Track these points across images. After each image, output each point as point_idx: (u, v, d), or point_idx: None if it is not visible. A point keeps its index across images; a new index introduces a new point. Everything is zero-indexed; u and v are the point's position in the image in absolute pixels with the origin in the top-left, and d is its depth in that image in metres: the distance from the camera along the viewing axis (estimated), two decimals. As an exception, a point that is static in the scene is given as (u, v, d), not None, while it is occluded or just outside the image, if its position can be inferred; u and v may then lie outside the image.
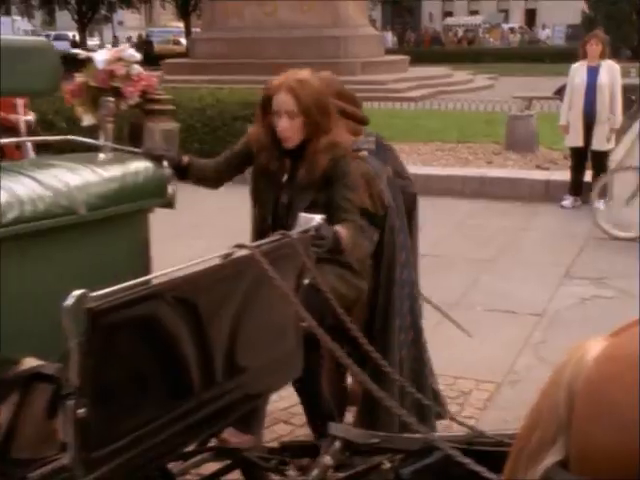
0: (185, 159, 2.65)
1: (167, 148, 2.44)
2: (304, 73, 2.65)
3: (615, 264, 5.77)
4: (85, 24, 34.87)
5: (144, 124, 2.41)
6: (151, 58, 21.85)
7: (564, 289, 5.33)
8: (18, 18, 42.44)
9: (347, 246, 2.49)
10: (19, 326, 1.83)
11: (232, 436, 2.37)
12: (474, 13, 50.58)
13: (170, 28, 49.59)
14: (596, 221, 6.70)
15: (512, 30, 44.23)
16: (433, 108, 15.17)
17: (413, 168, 8.49)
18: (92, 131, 2.42)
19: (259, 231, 2.69)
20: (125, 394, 1.52)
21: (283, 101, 2.56)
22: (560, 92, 14.73)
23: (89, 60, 2.33)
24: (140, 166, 2.28)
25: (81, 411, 1.42)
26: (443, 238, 6.67)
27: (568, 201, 7.57)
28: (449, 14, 51.67)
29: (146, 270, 2.17)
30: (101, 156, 2.32)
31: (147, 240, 2.28)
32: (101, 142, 2.37)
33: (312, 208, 2.50)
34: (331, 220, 2.47)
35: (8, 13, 39.01)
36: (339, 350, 1.74)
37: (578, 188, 7.57)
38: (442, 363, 3.71)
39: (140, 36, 39.41)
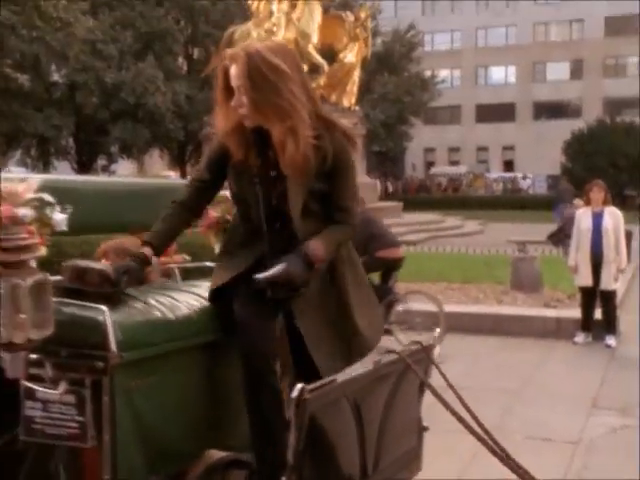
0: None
1: None
2: (260, 43, 2.40)
3: (636, 394, 6.05)
4: (84, 173, 36.14)
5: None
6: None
7: (594, 419, 5.58)
8: (14, 168, 43.93)
9: (327, 256, 2.33)
10: (197, 423, 2.10)
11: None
12: (455, 163, 53.09)
13: (162, 177, 51.26)
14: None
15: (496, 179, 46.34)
16: (432, 251, 15.76)
17: (427, 306, 8.92)
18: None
19: (248, 233, 2.44)
20: (322, 473, 1.78)
21: (232, 75, 2.33)
22: (552, 237, 15.56)
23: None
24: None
25: (291, 488, 1.68)
26: (467, 371, 6.95)
27: (580, 337, 7.93)
28: (431, 164, 54.15)
29: None
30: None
31: None
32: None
33: (310, 202, 2.33)
34: (328, 216, 2.35)
35: (5, 165, 40.49)
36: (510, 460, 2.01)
37: (589, 325, 7.96)
38: (494, 487, 3.91)
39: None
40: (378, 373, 2.05)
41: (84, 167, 35.58)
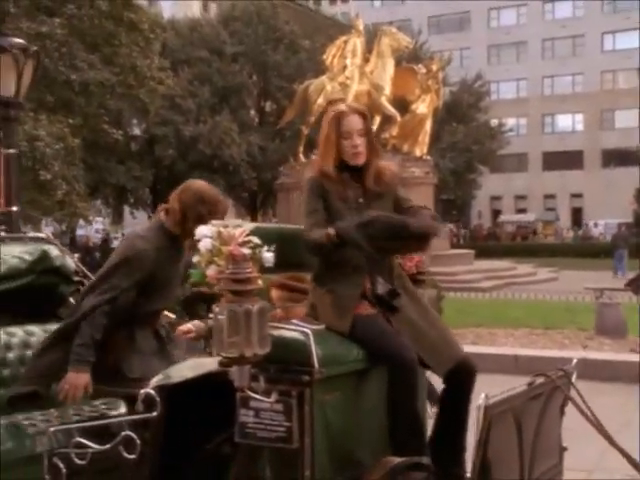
0: None
1: None
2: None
3: None
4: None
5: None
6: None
7: (693, 461, 5.67)
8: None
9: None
10: (374, 433, 2.45)
11: None
12: (521, 211, 52.80)
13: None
14: None
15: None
16: (507, 298, 15.83)
17: (512, 350, 9.09)
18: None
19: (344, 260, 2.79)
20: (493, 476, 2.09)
21: (355, 122, 2.94)
22: (632, 284, 15.43)
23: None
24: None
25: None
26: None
27: (671, 382, 7.96)
28: (498, 212, 53.95)
29: None
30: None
31: None
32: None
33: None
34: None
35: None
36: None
37: (679, 370, 7.99)
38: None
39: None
40: (533, 392, 2.36)
41: (159, 216, 36.76)
